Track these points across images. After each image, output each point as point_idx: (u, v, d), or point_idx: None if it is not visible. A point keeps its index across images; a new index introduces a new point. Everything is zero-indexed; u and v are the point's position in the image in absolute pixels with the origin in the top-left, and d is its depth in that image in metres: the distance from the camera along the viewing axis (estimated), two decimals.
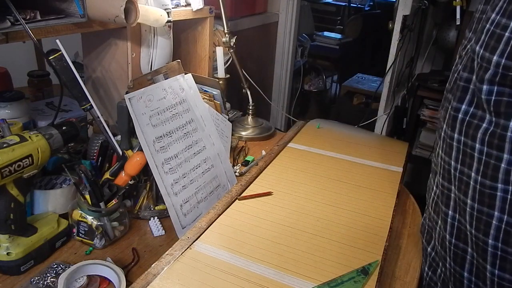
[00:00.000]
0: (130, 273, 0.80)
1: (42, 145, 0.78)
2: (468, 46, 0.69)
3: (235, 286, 0.69)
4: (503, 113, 0.60)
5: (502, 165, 0.61)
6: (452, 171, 0.70)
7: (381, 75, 2.03)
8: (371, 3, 4.55)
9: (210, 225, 0.84)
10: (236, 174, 1.14)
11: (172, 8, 1.15)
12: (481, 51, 0.62)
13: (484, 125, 0.63)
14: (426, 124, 2.14)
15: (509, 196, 0.62)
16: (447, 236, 0.73)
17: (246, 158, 1.25)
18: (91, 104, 0.90)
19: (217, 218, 0.86)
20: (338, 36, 3.73)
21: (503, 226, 0.62)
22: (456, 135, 0.68)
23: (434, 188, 0.79)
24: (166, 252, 0.75)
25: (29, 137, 0.77)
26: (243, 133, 1.42)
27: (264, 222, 0.86)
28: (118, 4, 0.89)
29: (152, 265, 0.72)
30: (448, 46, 2.15)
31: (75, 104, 1.06)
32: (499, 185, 0.62)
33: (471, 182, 0.65)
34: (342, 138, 1.29)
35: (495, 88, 0.61)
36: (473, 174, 0.65)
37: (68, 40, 0.94)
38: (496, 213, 0.63)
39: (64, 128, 0.85)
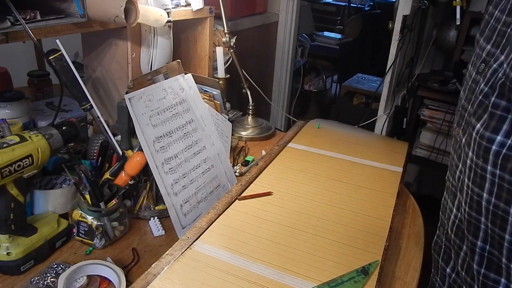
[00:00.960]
0: (130, 273, 0.80)
1: (42, 145, 0.78)
2: (495, 66, 0.63)
3: (235, 286, 0.69)
4: None
5: None
6: (484, 203, 0.65)
7: (381, 75, 2.03)
8: (371, 3, 4.55)
9: (210, 225, 0.84)
10: (236, 174, 1.14)
11: (172, 8, 1.15)
12: None
13: None
14: (426, 124, 2.14)
15: None
16: (475, 266, 0.69)
17: (246, 158, 1.25)
18: (91, 104, 0.90)
19: (217, 218, 0.86)
20: (338, 36, 3.73)
21: None
22: (489, 168, 0.62)
23: (455, 211, 0.74)
24: (166, 252, 0.75)
25: (29, 137, 0.77)
26: (243, 133, 1.42)
27: (264, 222, 0.86)
28: (118, 4, 0.90)
29: (152, 265, 0.72)
30: (448, 46, 2.15)
31: (75, 104, 1.06)
32: None
33: (510, 218, 0.61)
34: (342, 138, 1.29)
35: None
36: (511, 210, 0.61)
37: (68, 40, 0.94)
38: None
39: (64, 128, 0.85)
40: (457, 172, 0.72)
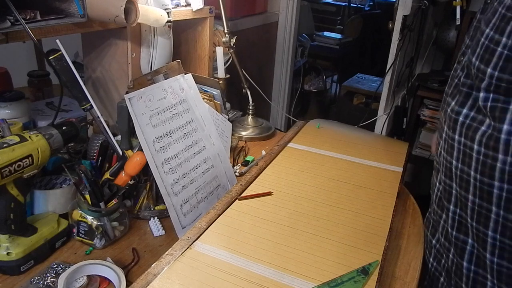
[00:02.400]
0: (130, 273, 0.80)
1: (42, 145, 0.78)
2: (468, 54, 0.73)
3: (235, 286, 0.69)
4: (497, 117, 0.67)
5: (498, 164, 0.67)
6: (453, 169, 0.76)
7: (381, 75, 2.03)
8: (371, 3, 4.55)
9: (210, 225, 0.84)
10: (236, 174, 1.14)
11: (172, 8, 1.15)
12: (477, 63, 0.69)
13: (483, 128, 0.69)
14: (426, 124, 2.14)
15: (504, 194, 0.68)
16: (449, 229, 0.80)
17: (246, 158, 1.25)
18: (91, 104, 0.90)
19: (217, 218, 0.86)
20: (338, 36, 3.73)
21: (500, 220, 0.69)
22: (457, 137, 0.74)
23: (437, 184, 0.85)
24: (166, 252, 0.75)
25: (29, 137, 0.77)
26: (243, 133, 1.42)
27: (264, 222, 0.86)
28: (118, 4, 0.90)
29: (152, 265, 0.72)
30: (448, 46, 2.15)
31: (75, 104, 1.06)
32: (496, 183, 0.68)
33: (471, 180, 0.72)
34: (342, 138, 1.29)
35: (491, 95, 0.68)
36: (472, 172, 0.72)
37: (68, 40, 0.94)
38: (494, 208, 0.70)
39: (64, 128, 0.85)
40: (439, 148, 0.82)
